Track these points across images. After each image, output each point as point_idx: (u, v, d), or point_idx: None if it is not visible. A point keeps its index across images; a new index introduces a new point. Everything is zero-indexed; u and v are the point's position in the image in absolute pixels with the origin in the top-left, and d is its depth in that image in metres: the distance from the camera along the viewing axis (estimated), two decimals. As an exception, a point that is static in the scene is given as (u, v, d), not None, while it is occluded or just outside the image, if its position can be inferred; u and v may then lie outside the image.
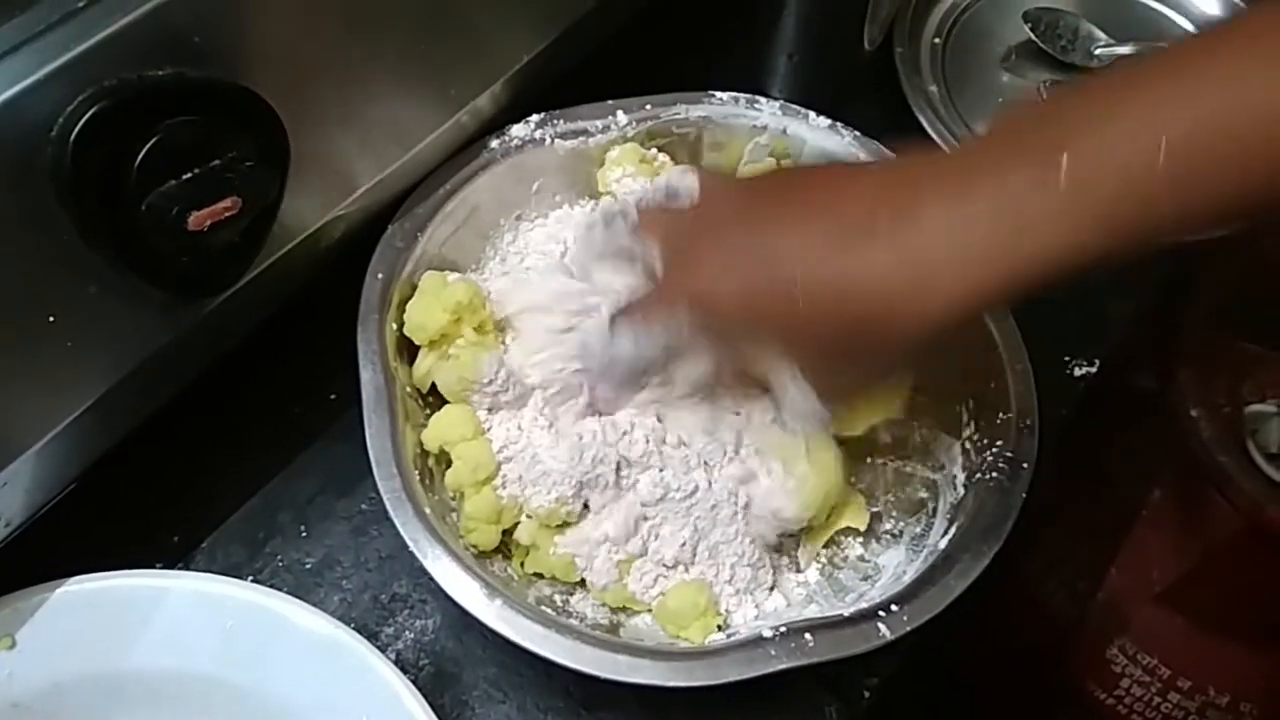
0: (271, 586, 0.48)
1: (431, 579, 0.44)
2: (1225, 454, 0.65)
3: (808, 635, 0.43)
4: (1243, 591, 0.71)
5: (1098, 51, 0.75)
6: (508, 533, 0.50)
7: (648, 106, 0.58)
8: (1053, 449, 0.51)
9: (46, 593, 0.45)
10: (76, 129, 0.36)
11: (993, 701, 0.92)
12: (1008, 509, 0.48)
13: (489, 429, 0.50)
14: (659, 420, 0.50)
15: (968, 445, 0.51)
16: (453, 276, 0.53)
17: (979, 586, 0.46)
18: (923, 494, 0.53)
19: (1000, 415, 0.50)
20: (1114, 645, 0.77)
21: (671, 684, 0.43)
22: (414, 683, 0.43)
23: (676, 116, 0.59)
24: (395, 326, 0.51)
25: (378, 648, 0.44)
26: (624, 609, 0.51)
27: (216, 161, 0.40)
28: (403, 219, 0.54)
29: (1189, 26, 0.79)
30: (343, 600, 0.52)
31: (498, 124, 0.57)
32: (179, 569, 0.51)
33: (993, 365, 0.51)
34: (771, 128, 0.59)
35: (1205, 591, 0.72)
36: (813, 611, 0.49)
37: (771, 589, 0.51)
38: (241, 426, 0.56)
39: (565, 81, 0.59)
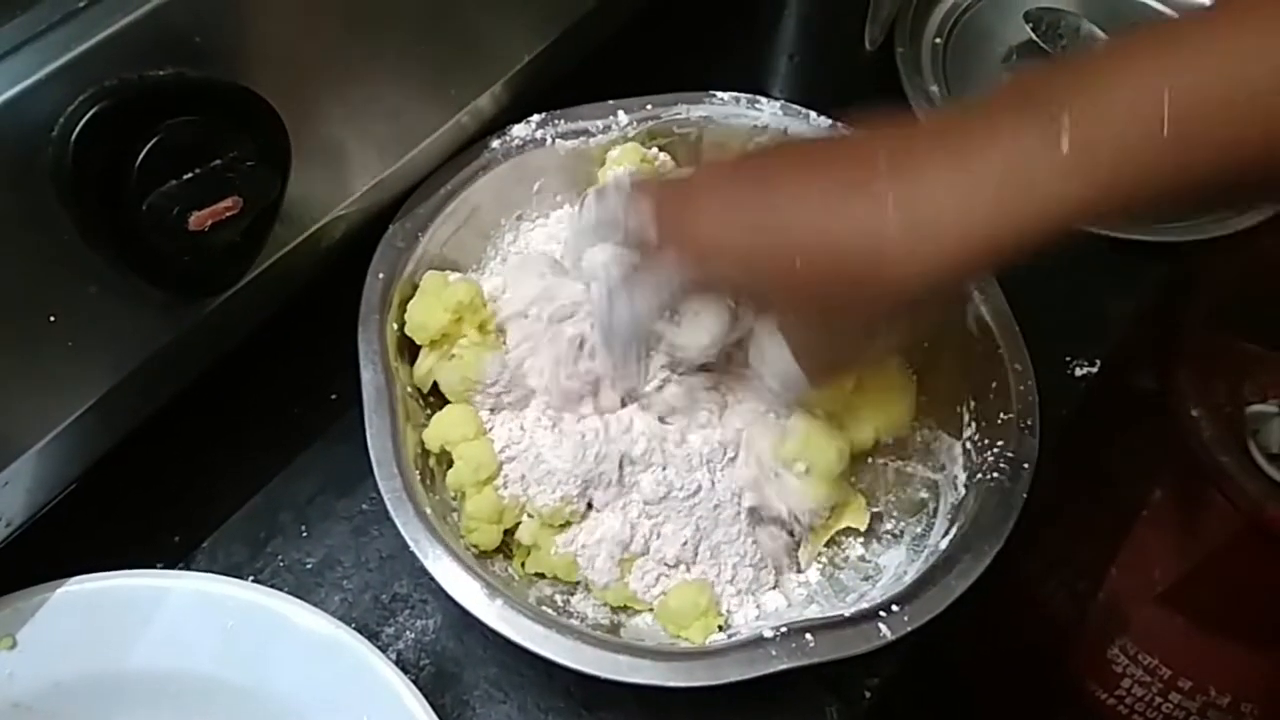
0: (272, 586, 0.48)
1: (432, 579, 0.44)
2: (1226, 454, 0.65)
3: (808, 635, 0.43)
4: (1244, 591, 0.71)
5: (1098, 51, 0.75)
6: (509, 533, 0.50)
7: (648, 106, 0.58)
8: (1053, 449, 0.51)
9: (47, 593, 0.45)
10: (77, 129, 0.36)
11: (993, 701, 0.92)
12: (1008, 509, 0.47)
13: (491, 429, 0.50)
14: (661, 420, 0.50)
15: (968, 445, 0.51)
16: (454, 276, 0.53)
17: (980, 586, 0.46)
18: (923, 494, 0.53)
19: (1001, 415, 0.50)
20: (1115, 645, 0.77)
21: (672, 684, 0.43)
22: (415, 683, 0.43)
23: (677, 116, 0.59)
24: (396, 326, 0.51)
25: (378, 648, 0.44)
26: (625, 608, 0.51)
27: (217, 161, 0.40)
28: (404, 219, 0.54)
29: (1190, 26, 0.79)
30: (343, 600, 0.52)
31: (498, 124, 0.57)
32: (180, 569, 0.51)
33: (993, 365, 0.51)
34: (772, 128, 0.59)
35: (1206, 592, 0.72)
36: (813, 611, 0.49)
37: (773, 589, 0.51)
38: (242, 426, 0.56)
39: (566, 81, 0.59)
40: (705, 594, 0.48)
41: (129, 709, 0.45)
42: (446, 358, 0.51)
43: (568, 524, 0.50)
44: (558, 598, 0.50)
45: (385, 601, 0.52)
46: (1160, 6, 0.81)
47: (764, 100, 0.59)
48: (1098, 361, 0.62)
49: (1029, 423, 0.50)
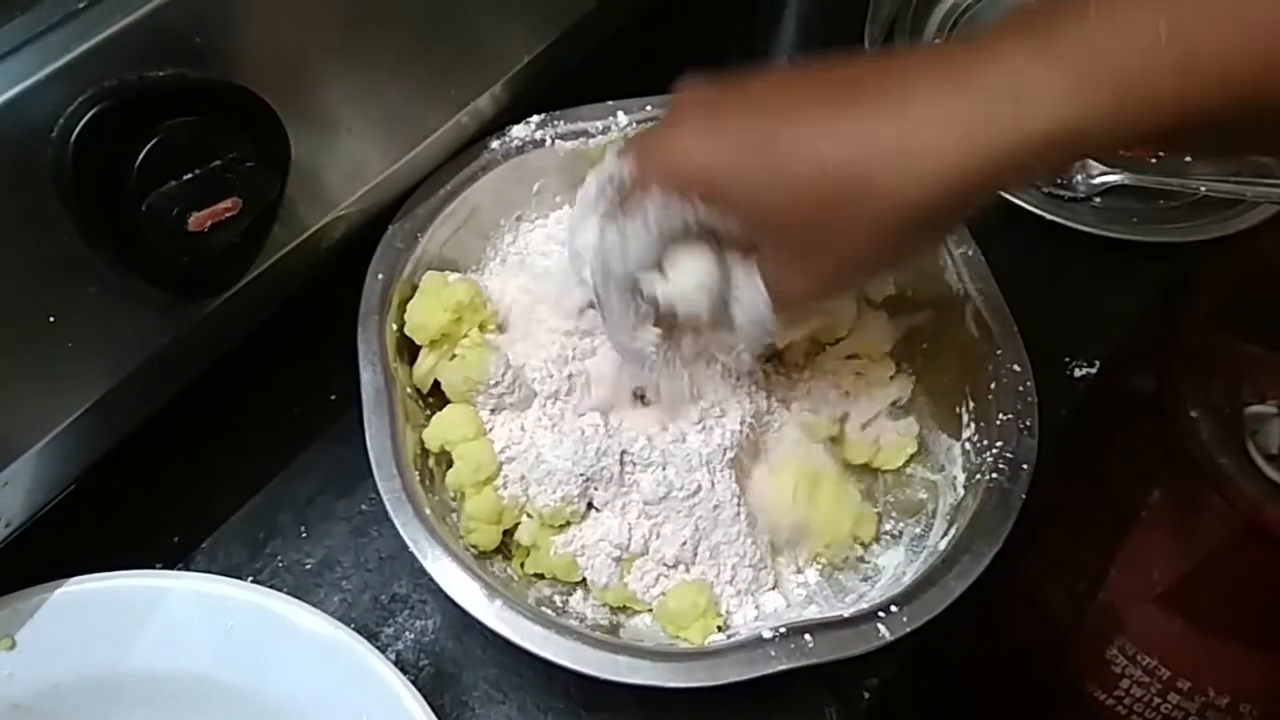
0: (271, 587, 0.48)
1: (431, 580, 0.44)
2: (1225, 455, 0.65)
3: (807, 636, 0.43)
4: (1242, 592, 0.71)
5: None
6: (508, 533, 0.50)
7: (648, 107, 0.58)
8: (1052, 450, 0.51)
9: (46, 593, 0.45)
10: (77, 130, 0.36)
11: (992, 702, 0.92)
12: (1007, 510, 0.47)
13: (491, 429, 0.50)
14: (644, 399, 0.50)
15: (967, 446, 0.51)
16: (453, 277, 0.53)
17: (979, 587, 0.46)
18: (922, 495, 0.53)
19: (1000, 416, 0.50)
20: (1114, 646, 0.77)
21: (671, 685, 0.43)
22: (414, 683, 0.43)
23: (677, 117, 0.59)
24: (395, 327, 0.51)
25: (378, 648, 0.44)
26: (624, 609, 0.51)
27: (217, 162, 0.40)
28: (403, 220, 0.54)
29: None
30: (343, 601, 0.52)
31: (498, 125, 0.57)
32: (179, 569, 0.51)
33: (992, 366, 0.51)
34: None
35: (1205, 592, 0.72)
36: (813, 612, 0.49)
37: (772, 589, 0.51)
38: (241, 427, 0.56)
39: (565, 82, 0.59)
40: (704, 594, 0.48)
41: (128, 709, 0.45)
42: (448, 358, 0.51)
43: (567, 524, 0.50)
44: (557, 598, 0.50)
45: (384, 602, 0.52)
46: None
47: (764, 101, 0.59)
48: (1097, 362, 0.62)
49: (1028, 423, 0.50)
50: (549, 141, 0.57)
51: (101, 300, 0.41)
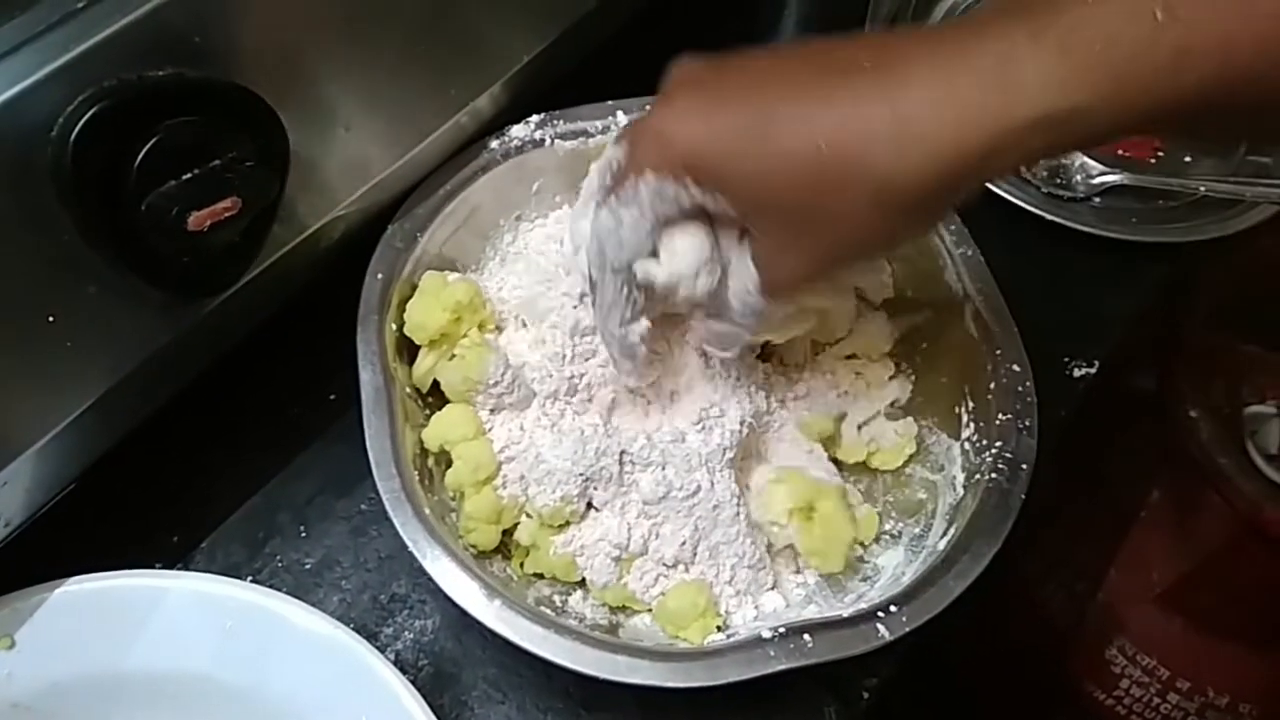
0: (271, 587, 0.48)
1: (431, 579, 0.44)
2: (1224, 455, 0.65)
3: (807, 636, 0.43)
4: (1242, 592, 0.71)
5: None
6: (507, 533, 0.50)
7: (648, 107, 0.58)
8: (1052, 450, 0.51)
9: (46, 593, 0.45)
10: (76, 129, 0.36)
11: (992, 702, 0.92)
12: (1007, 510, 0.47)
13: (490, 429, 0.50)
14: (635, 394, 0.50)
15: (967, 446, 0.51)
16: (453, 276, 0.53)
17: (978, 587, 0.46)
18: (922, 495, 0.53)
19: (999, 416, 0.50)
20: (1113, 646, 0.77)
21: (670, 685, 0.43)
22: (413, 683, 0.43)
23: (676, 117, 0.59)
24: (395, 327, 0.51)
25: (377, 648, 0.44)
26: (623, 609, 0.51)
27: (216, 161, 0.40)
28: (403, 219, 0.54)
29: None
30: (342, 600, 0.52)
31: (498, 124, 0.57)
32: (178, 569, 0.51)
33: (992, 366, 0.51)
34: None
35: (1204, 592, 0.72)
36: (812, 612, 0.49)
37: (771, 589, 0.51)
38: (241, 427, 0.56)
39: (565, 82, 0.59)
40: (704, 594, 0.48)
41: (127, 709, 0.45)
42: (448, 357, 0.51)
43: (566, 524, 0.50)
44: (556, 598, 0.50)
45: (384, 602, 0.52)
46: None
47: (763, 101, 0.59)
48: (1096, 362, 0.62)
49: (1027, 423, 0.50)
50: (548, 141, 0.57)
51: (101, 300, 0.41)
